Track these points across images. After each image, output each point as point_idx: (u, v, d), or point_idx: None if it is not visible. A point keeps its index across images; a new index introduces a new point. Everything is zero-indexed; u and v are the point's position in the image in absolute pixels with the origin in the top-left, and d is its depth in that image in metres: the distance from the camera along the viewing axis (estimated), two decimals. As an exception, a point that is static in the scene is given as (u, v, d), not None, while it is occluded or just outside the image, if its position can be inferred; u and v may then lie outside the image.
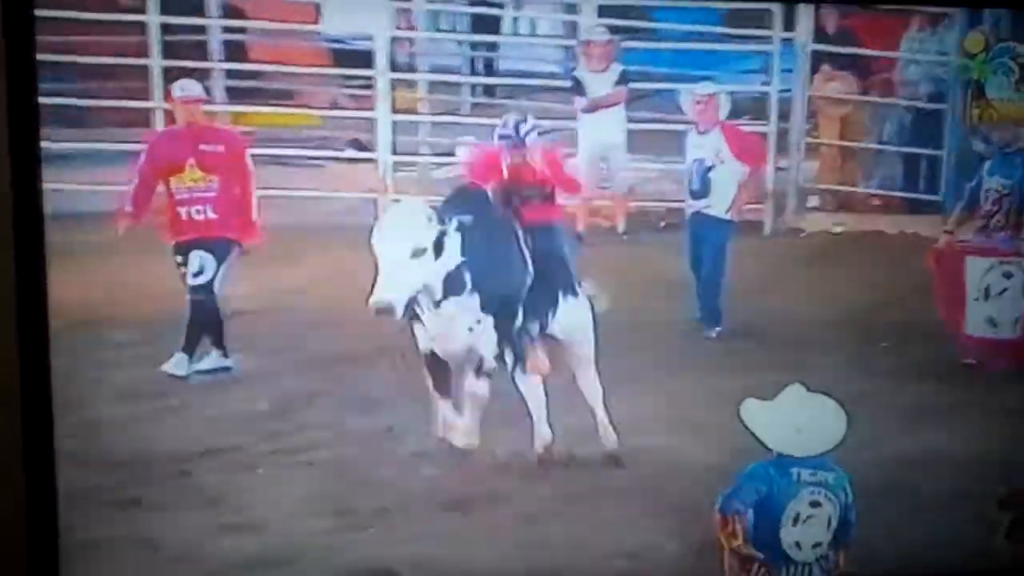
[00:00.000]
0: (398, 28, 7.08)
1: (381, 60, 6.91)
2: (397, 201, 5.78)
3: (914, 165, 7.55)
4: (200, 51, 6.81)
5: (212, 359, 6.30)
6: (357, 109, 7.02)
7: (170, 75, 6.53)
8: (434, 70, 7.37)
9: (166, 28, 6.68)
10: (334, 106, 7.09)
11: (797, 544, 5.18)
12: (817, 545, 5.21)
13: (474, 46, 7.55)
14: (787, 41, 7.25)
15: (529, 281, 6.08)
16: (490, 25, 7.35)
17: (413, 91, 7.29)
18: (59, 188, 6.30)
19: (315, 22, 6.90)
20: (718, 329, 6.72)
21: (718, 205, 6.83)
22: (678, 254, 6.78)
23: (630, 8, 7.24)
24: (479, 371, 5.96)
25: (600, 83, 7.10)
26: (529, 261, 6.09)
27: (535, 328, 6.10)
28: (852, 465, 5.22)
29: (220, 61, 6.84)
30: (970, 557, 5.78)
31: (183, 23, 6.78)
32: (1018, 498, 5.88)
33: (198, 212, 6.37)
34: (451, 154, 6.90)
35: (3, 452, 5.10)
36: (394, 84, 6.99)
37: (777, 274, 6.93)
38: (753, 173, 6.96)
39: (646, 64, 7.22)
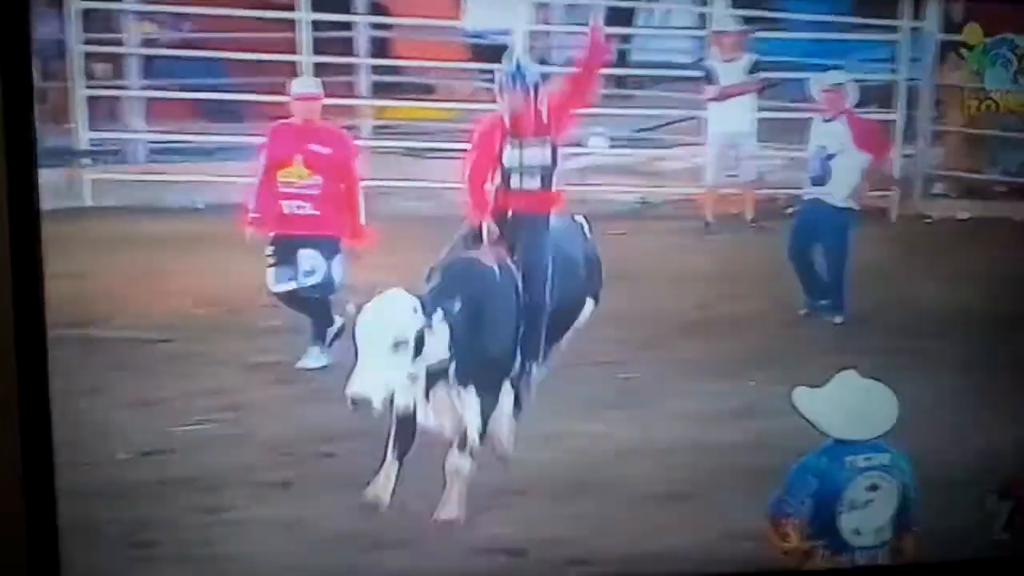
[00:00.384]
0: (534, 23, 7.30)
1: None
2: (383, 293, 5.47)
3: (1041, 152, 7.61)
4: (346, 47, 7.17)
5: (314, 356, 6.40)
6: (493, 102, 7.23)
7: (319, 71, 6.85)
8: (568, 63, 7.56)
9: (316, 25, 6.99)
10: (472, 99, 7.24)
11: (857, 530, 5.19)
12: (879, 529, 5.21)
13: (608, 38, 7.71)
14: (915, 30, 7.38)
15: (522, 330, 5.83)
16: (624, 17, 7.56)
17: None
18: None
19: (456, 18, 7.15)
20: (842, 316, 6.79)
21: (837, 192, 6.88)
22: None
23: (761, -2, 7.42)
24: (462, 446, 5.70)
25: (731, 72, 7.28)
26: (522, 299, 5.82)
27: (537, 367, 5.95)
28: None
29: (367, 57, 7.19)
30: (968, 546, 5.66)
31: (332, 19, 7.14)
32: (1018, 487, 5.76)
33: (299, 207, 6.38)
34: (583, 145, 7.18)
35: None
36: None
37: (902, 261, 6.98)
38: (875, 161, 6.99)
39: (776, 53, 7.36)
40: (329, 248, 6.36)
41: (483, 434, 5.73)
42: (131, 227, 6.65)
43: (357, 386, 5.26)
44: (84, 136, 6.93)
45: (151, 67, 7.15)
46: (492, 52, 7.15)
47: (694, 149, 7.41)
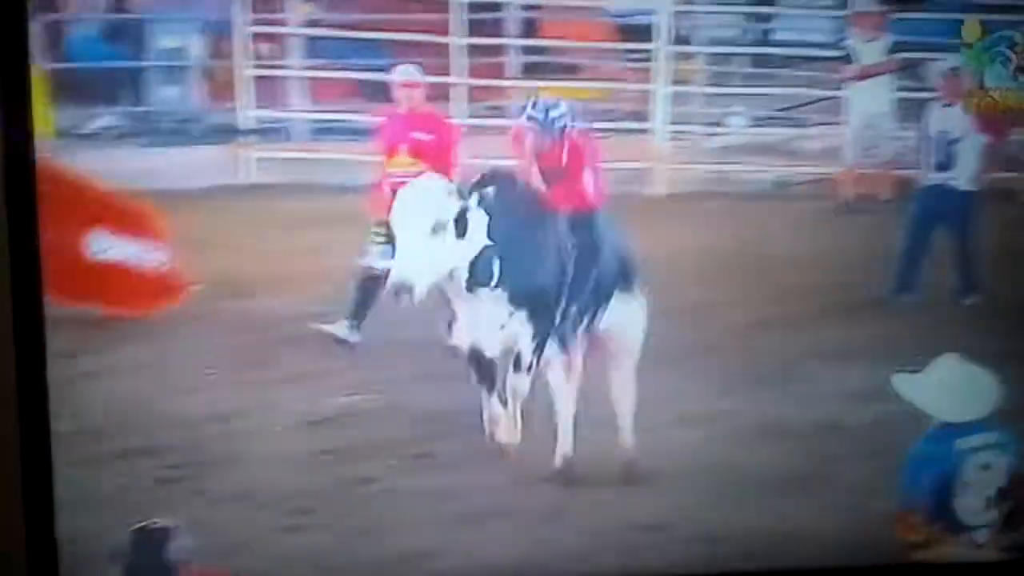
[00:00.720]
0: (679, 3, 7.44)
1: (661, 33, 7.34)
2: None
3: None
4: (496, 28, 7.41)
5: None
6: (637, 82, 7.43)
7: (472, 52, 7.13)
8: (711, 43, 7.72)
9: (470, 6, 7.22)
10: (615, 79, 7.49)
11: (974, 509, 5.32)
12: (994, 505, 5.34)
13: (748, 17, 7.88)
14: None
15: (570, 275, 5.82)
16: (766, -2, 7.71)
17: (689, 63, 7.62)
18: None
19: (602, -1, 7.36)
20: (972, 298, 6.84)
21: (962, 177, 6.95)
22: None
23: (901, -22, 7.47)
24: (517, 366, 5.75)
25: (871, 52, 7.39)
26: (570, 253, 5.85)
27: (580, 325, 5.90)
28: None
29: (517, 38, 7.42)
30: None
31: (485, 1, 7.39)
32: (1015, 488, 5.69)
33: None
34: (724, 124, 7.36)
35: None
36: (672, 56, 7.38)
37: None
38: (995, 144, 7.00)
39: (915, 34, 7.42)
40: None
41: (539, 357, 5.75)
42: (291, 204, 6.90)
43: (397, 273, 5.30)
44: (248, 115, 7.23)
45: (313, 47, 7.39)
46: (638, 32, 7.44)
47: (833, 128, 7.52)
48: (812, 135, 7.62)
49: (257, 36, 7.22)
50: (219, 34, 7.21)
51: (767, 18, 7.80)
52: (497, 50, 7.49)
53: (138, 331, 6.08)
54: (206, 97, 7.29)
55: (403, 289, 5.27)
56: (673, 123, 7.40)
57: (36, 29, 6.77)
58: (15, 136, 4.87)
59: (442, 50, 7.15)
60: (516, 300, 5.66)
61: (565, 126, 5.93)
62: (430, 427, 5.94)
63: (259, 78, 7.23)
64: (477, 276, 5.57)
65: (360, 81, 7.31)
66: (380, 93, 6.79)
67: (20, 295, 4.85)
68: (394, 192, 6.06)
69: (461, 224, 5.43)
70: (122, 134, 7.09)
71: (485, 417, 5.79)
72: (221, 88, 7.21)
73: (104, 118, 7.11)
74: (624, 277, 5.98)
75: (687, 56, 7.57)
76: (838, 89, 7.42)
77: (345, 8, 7.41)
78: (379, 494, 5.68)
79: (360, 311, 6.41)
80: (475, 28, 7.26)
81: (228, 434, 5.72)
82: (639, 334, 5.95)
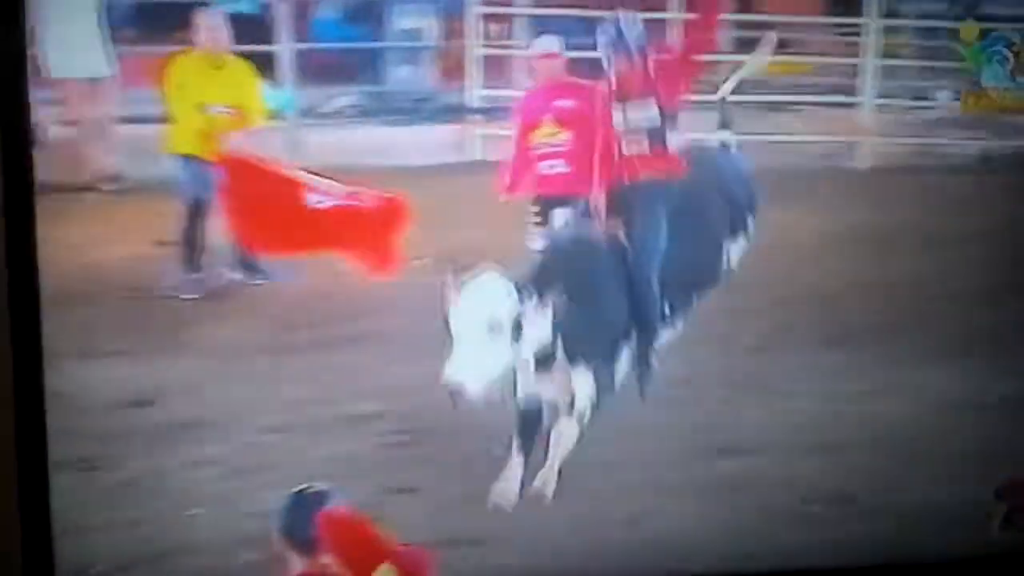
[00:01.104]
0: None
1: (871, 7, 7.48)
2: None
3: None
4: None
5: None
6: (845, 56, 7.65)
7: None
8: (921, 16, 7.83)
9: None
10: (823, 53, 7.72)
11: None
12: None
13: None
14: None
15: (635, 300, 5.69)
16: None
17: (897, 37, 7.76)
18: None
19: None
20: None
21: None
22: None
23: None
24: (569, 412, 5.59)
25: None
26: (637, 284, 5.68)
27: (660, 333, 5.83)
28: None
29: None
30: (963, 545, 5.53)
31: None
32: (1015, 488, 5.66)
33: (551, 167, 6.33)
34: (930, 98, 7.49)
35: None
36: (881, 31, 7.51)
37: None
38: None
39: None
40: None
41: (596, 405, 5.58)
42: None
43: (451, 372, 5.13)
44: (477, 93, 7.62)
45: (539, 27, 7.47)
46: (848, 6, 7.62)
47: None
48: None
49: (487, 16, 7.63)
50: (452, 15, 7.66)
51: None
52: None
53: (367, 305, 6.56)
54: (438, 77, 7.76)
55: (456, 391, 5.12)
56: (881, 97, 7.52)
57: (283, 11, 7.49)
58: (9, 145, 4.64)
59: (659, 26, 7.39)
60: (577, 360, 5.54)
61: (642, 44, 5.74)
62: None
63: (487, 58, 7.61)
64: (540, 365, 5.47)
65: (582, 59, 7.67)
66: (602, 71, 7.12)
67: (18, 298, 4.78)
68: (540, 163, 6.28)
69: (517, 329, 5.28)
70: (359, 113, 7.64)
71: (504, 474, 5.60)
72: (452, 68, 7.66)
73: (344, 97, 7.68)
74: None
75: (895, 30, 7.69)
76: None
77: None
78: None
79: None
80: (690, 4, 7.42)
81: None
82: None
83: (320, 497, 4.26)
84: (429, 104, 7.71)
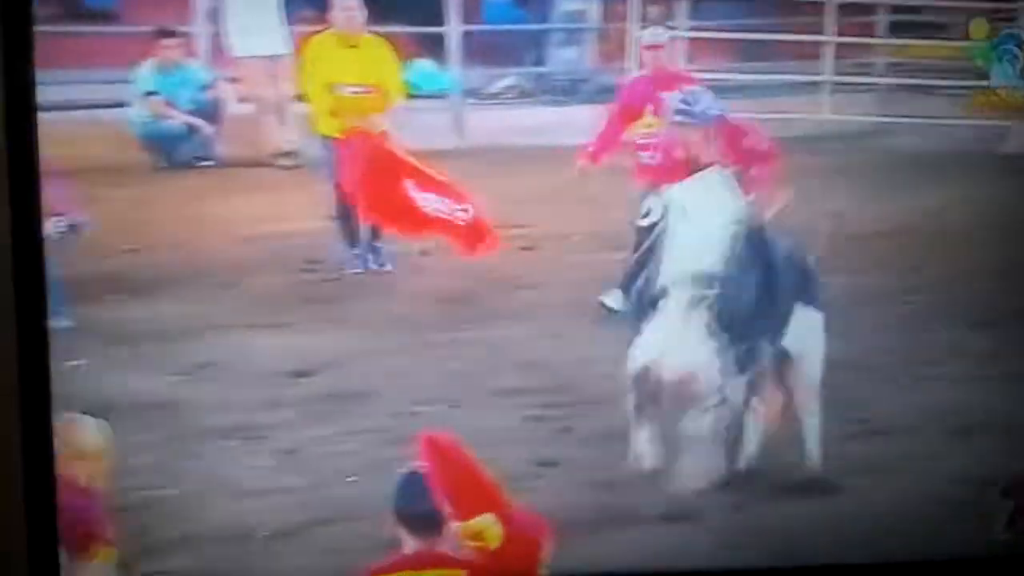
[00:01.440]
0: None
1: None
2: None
3: None
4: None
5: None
6: None
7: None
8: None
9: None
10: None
11: None
12: None
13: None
14: None
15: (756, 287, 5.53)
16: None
17: None
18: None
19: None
20: None
21: None
22: None
23: None
24: (704, 405, 5.50)
25: None
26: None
27: (767, 348, 5.65)
28: None
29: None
30: (968, 544, 5.52)
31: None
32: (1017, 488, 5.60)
33: (651, 157, 6.28)
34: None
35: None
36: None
37: None
38: None
39: None
40: None
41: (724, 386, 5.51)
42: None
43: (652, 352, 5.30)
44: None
45: (698, 10, 7.84)
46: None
47: None
48: None
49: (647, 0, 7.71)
50: (613, -1, 7.80)
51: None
52: (868, 8, 7.77)
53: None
54: (598, 58, 7.91)
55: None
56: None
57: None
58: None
59: (817, 9, 7.50)
60: (719, 318, 5.47)
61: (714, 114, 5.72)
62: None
63: None
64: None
65: (743, 42, 7.76)
66: (760, 54, 7.21)
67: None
68: (640, 154, 6.30)
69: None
70: (522, 93, 7.83)
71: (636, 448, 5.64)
72: (612, 50, 7.80)
73: (508, 78, 7.88)
74: (804, 289, 5.69)
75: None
76: None
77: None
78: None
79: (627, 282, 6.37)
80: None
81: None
82: (821, 345, 5.70)
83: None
84: (588, 85, 7.84)
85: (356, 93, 6.74)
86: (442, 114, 7.70)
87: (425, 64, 7.64)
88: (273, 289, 6.65)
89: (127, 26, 7.64)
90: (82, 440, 4.80)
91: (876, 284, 6.62)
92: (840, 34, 7.57)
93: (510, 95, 7.90)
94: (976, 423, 5.94)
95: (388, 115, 6.75)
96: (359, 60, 6.77)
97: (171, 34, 7.29)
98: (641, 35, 6.81)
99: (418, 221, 6.51)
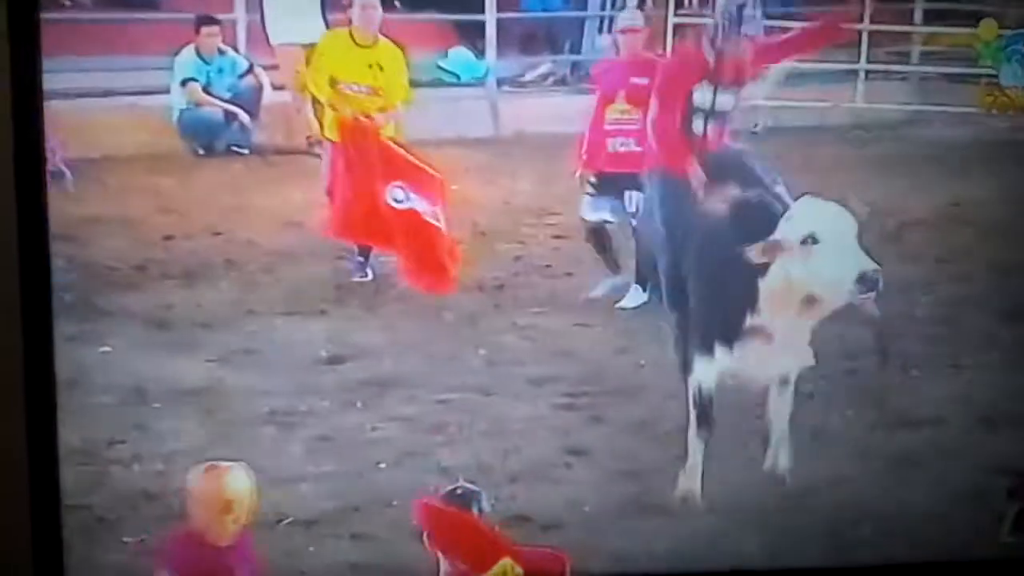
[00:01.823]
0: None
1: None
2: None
3: None
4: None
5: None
6: None
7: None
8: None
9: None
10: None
11: None
12: None
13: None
14: None
15: None
16: None
17: None
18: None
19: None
20: None
21: None
22: None
23: None
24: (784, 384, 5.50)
25: None
26: None
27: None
28: None
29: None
30: (974, 546, 5.48)
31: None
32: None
33: (622, 144, 6.33)
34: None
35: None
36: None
37: None
38: None
39: None
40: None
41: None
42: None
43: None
44: None
45: None
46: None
47: None
48: None
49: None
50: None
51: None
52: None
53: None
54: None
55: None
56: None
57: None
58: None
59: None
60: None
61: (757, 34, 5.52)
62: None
63: (678, 27, 7.63)
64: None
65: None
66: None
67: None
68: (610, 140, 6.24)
69: None
70: (555, 81, 7.85)
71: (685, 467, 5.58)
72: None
73: (543, 66, 7.90)
74: None
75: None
76: None
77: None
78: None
79: (611, 265, 6.61)
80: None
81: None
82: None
83: (470, 496, 4.40)
84: (622, 73, 7.84)
85: (357, 92, 6.72)
86: (478, 102, 7.71)
87: (461, 52, 7.66)
88: (309, 276, 6.71)
89: (167, 13, 7.71)
90: (230, 489, 4.50)
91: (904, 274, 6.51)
92: (874, 22, 7.53)
93: (546, 83, 7.92)
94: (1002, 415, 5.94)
95: (387, 116, 6.69)
96: (368, 61, 6.73)
97: (211, 21, 7.35)
98: (616, 18, 6.76)
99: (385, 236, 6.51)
